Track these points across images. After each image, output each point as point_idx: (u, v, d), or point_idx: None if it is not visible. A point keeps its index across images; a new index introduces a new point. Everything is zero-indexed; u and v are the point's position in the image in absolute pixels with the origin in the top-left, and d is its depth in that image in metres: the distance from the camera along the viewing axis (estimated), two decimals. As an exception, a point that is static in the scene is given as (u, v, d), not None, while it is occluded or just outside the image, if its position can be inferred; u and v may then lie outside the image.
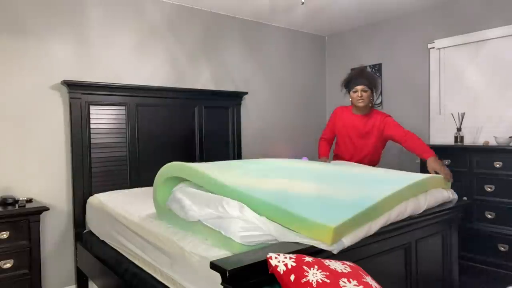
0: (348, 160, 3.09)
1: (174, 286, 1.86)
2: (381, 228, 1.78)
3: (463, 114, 3.53)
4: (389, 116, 3.03)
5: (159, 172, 2.13)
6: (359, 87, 2.92)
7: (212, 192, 1.89)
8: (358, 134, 3.05)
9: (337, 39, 4.84)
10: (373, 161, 3.11)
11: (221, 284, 1.32)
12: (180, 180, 2.12)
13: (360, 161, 3.05)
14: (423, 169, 3.55)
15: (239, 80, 4.12)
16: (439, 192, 2.28)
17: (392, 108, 4.27)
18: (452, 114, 3.67)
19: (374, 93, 3.01)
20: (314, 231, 1.52)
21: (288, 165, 2.49)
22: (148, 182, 3.22)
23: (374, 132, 3.00)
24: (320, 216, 1.56)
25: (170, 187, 2.10)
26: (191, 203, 1.86)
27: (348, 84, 3.02)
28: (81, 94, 3.02)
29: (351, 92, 2.99)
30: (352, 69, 3.33)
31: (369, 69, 3.21)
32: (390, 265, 1.96)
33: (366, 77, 2.94)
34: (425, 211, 2.10)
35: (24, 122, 2.88)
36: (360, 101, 2.93)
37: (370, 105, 3.01)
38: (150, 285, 2.00)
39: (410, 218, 1.98)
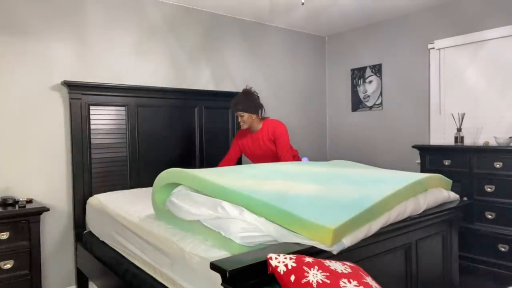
0: None
1: (174, 286, 1.86)
2: (381, 228, 1.78)
3: (463, 114, 3.53)
4: (280, 130, 3.16)
5: (157, 179, 2.11)
6: (236, 114, 3.19)
7: (211, 196, 1.88)
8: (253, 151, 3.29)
9: (337, 39, 4.84)
10: None
11: (221, 284, 1.32)
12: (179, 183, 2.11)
13: None
14: (423, 169, 3.56)
15: (239, 80, 4.12)
16: (438, 191, 2.28)
17: (392, 108, 4.28)
18: (452, 114, 3.67)
19: (259, 111, 3.21)
20: (314, 232, 1.51)
21: (286, 168, 2.48)
22: (148, 183, 3.23)
23: (266, 143, 3.20)
24: (319, 217, 1.56)
25: (169, 190, 2.09)
26: (190, 205, 1.86)
27: None
28: (81, 94, 3.02)
29: None
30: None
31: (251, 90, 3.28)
32: (390, 265, 1.96)
33: (240, 103, 3.14)
34: (425, 211, 2.10)
35: (24, 122, 2.89)
36: (241, 124, 3.18)
37: (259, 119, 3.22)
38: (150, 286, 2.00)
39: (410, 218, 1.98)
